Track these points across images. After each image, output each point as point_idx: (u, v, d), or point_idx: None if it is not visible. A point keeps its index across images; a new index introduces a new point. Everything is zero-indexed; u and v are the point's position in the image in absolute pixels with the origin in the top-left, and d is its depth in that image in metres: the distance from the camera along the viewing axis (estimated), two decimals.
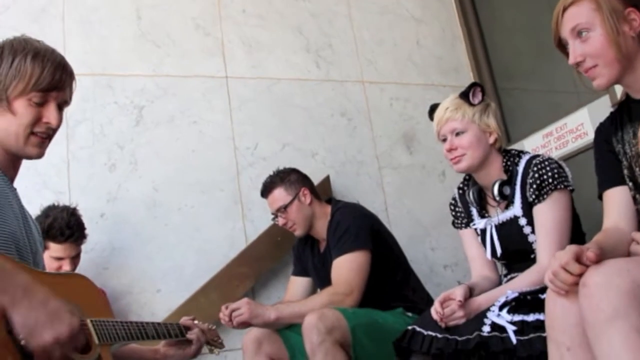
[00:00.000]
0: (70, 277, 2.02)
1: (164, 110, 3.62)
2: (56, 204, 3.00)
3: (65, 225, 2.88)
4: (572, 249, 1.56)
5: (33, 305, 1.41)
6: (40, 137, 1.81)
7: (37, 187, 3.22)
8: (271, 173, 3.22)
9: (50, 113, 1.81)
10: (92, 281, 1.98)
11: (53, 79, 1.80)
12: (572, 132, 3.65)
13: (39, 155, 1.84)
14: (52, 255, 2.88)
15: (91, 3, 3.66)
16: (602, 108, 3.32)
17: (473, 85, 2.49)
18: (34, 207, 2.95)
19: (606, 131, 1.99)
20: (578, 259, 1.54)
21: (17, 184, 1.90)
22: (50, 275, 1.88)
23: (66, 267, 2.89)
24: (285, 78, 3.95)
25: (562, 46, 1.93)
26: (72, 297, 1.77)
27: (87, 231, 3.01)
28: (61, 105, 1.86)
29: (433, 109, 2.59)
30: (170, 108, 3.64)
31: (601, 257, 1.52)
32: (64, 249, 2.90)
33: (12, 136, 1.77)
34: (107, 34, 3.64)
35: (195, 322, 2.50)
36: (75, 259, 2.97)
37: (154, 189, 3.47)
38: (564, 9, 1.87)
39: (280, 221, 3.13)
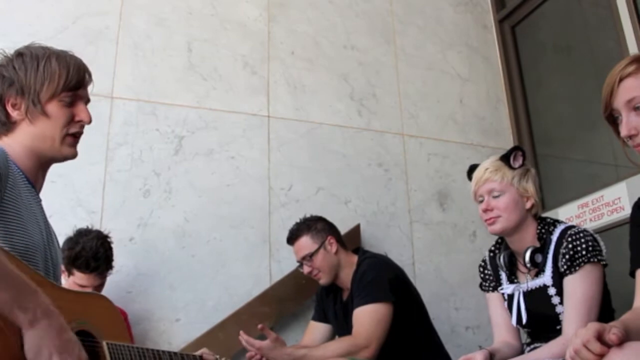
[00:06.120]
0: (90, 297, 2.01)
1: (204, 143, 3.66)
2: (89, 227, 2.99)
3: (91, 257, 2.88)
4: (594, 327, 1.52)
5: (49, 330, 1.39)
6: (74, 137, 1.85)
7: (71, 204, 3.26)
8: (298, 220, 3.21)
9: (81, 111, 1.85)
10: (113, 302, 1.98)
11: (79, 76, 1.84)
12: (609, 205, 3.61)
13: (75, 155, 1.86)
14: (77, 282, 2.89)
15: (145, 31, 3.75)
16: None
17: (515, 149, 2.49)
18: (66, 224, 2.99)
19: None
20: (600, 338, 1.51)
21: (52, 200, 1.94)
22: (72, 293, 1.87)
23: None
24: (326, 123, 3.98)
25: (611, 116, 1.86)
26: (91, 317, 1.77)
27: (114, 262, 3.00)
28: (86, 103, 1.89)
29: (472, 169, 2.59)
30: (210, 141, 3.68)
31: (624, 338, 1.48)
32: (87, 279, 2.90)
33: (48, 140, 1.79)
34: (157, 62, 3.72)
35: (216, 357, 2.48)
36: (98, 288, 2.97)
37: (185, 219, 3.50)
38: (620, 80, 1.79)
39: (306, 269, 3.11)
